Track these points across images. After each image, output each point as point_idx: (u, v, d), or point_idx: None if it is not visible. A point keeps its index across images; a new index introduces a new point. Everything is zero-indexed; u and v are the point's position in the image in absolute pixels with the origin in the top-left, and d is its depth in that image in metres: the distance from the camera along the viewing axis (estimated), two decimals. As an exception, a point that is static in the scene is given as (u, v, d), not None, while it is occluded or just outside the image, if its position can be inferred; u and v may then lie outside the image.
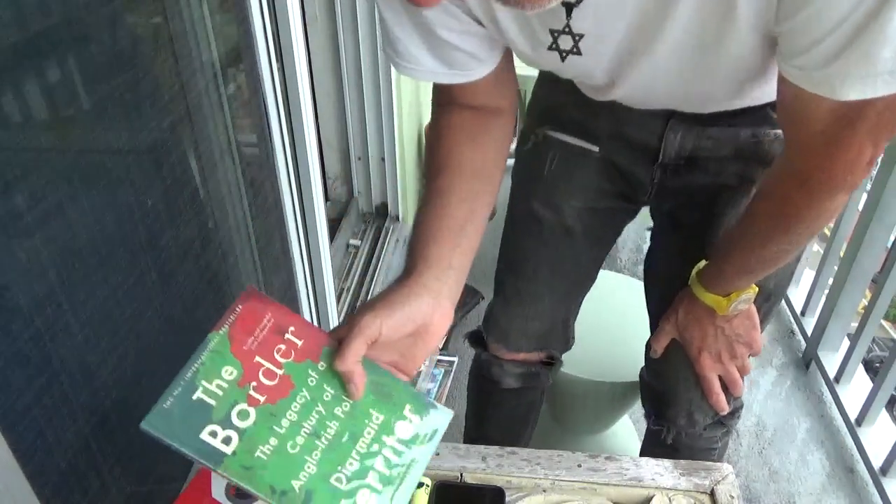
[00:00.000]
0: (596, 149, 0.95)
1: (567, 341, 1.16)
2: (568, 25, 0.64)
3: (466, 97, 0.76)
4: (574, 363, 1.40)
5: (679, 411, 1.03)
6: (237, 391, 0.54)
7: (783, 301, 2.25)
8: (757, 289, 0.86)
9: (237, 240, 1.27)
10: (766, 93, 0.77)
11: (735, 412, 1.06)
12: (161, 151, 0.96)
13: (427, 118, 2.83)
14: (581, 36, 0.66)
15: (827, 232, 2.05)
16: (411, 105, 2.55)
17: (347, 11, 2.09)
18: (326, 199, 2.48)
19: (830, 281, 1.93)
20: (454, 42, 0.69)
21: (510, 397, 1.18)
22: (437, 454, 0.82)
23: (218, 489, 0.62)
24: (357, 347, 0.57)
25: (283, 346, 0.57)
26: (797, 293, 2.21)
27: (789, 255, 0.81)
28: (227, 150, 1.20)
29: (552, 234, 1.02)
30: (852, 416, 1.75)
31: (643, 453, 1.19)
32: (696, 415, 1.02)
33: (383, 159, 2.38)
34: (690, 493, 0.78)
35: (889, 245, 1.73)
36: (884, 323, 8.53)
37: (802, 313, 2.12)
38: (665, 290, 0.99)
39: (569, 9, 0.63)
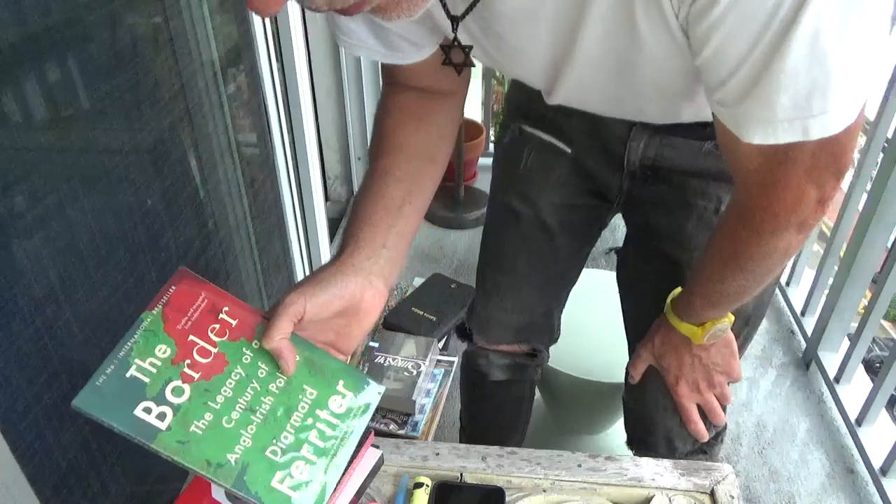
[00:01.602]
0: (569, 150, 0.94)
1: (551, 335, 1.16)
2: (456, 38, 0.63)
3: (411, 78, 0.76)
4: (575, 363, 1.40)
5: (658, 439, 1.02)
6: (171, 369, 0.55)
7: (783, 301, 2.25)
8: (733, 318, 0.84)
9: (237, 240, 1.27)
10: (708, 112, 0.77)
11: (718, 437, 1.04)
12: (161, 151, 0.96)
13: (427, 118, 2.83)
14: (470, 48, 0.65)
15: (827, 232, 2.06)
16: (411, 105, 2.55)
17: (347, 11, 2.09)
18: (326, 199, 2.48)
19: (830, 281, 1.94)
20: (388, 26, 0.68)
21: (498, 390, 1.18)
22: (437, 454, 0.82)
23: (218, 490, 0.62)
24: (282, 325, 0.57)
25: (217, 326, 0.58)
26: (797, 293, 2.21)
27: (752, 291, 0.78)
28: (227, 150, 1.20)
29: (529, 229, 1.02)
30: (852, 416, 1.75)
31: None
32: (675, 441, 1.01)
33: (383, 159, 2.38)
34: (690, 493, 0.78)
35: (889, 245, 1.73)
36: (884, 323, 8.53)
37: (802, 313, 2.12)
38: (639, 311, 0.98)
39: (454, 21, 0.62)
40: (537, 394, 1.64)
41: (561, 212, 1.00)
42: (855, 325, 1.83)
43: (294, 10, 1.32)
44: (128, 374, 0.53)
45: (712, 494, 0.78)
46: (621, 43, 0.58)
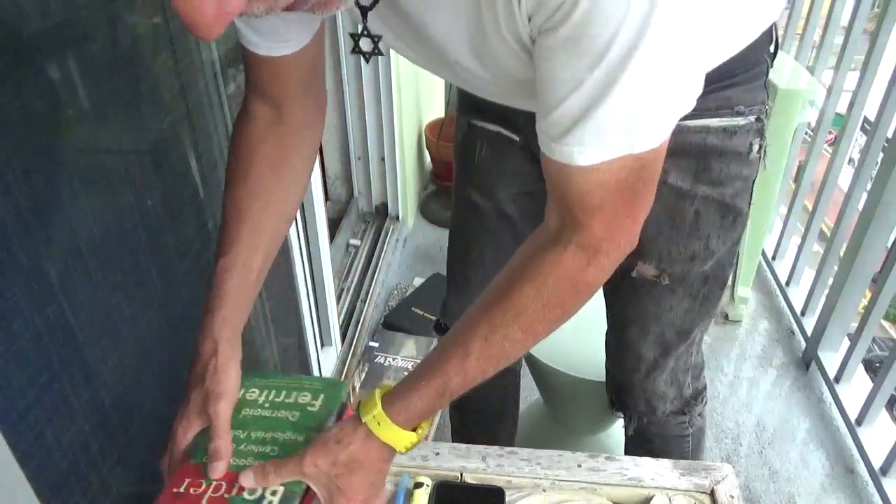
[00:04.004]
0: (517, 138, 0.96)
1: None
2: (365, 28, 0.64)
3: (275, 88, 0.74)
4: (575, 363, 1.40)
5: (637, 400, 1.05)
6: None
7: (783, 301, 2.25)
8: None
9: (237, 240, 1.26)
10: None
11: (698, 397, 1.08)
12: (161, 151, 0.96)
13: (427, 118, 2.83)
14: (380, 37, 0.65)
15: (827, 232, 2.06)
16: (411, 105, 2.55)
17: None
18: (326, 199, 2.48)
19: (830, 281, 1.94)
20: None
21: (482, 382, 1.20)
22: (437, 454, 0.82)
23: None
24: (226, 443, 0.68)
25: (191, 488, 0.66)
26: (797, 293, 2.21)
27: (533, 333, 0.66)
28: (227, 150, 1.20)
29: (491, 221, 1.04)
30: (852, 416, 1.75)
31: (627, 453, 1.20)
32: (653, 401, 1.04)
33: (383, 159, 2.38)
34: (690, 493, 0.78)
35: (889, 245, 1.73)
36: (884, 323, 8.54)
37: (802, 313, 2.12)
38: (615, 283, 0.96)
39: (363, 11, 0.61)
40: (537, 394, 1.64)
41: (519, 200, 1.02)
42: (855, 325, 1.83)
43: (294, 10, 1.32)
44: None
45: (712, 494, 0.78)
46: (476, 35, 0.58)
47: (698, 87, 0.57)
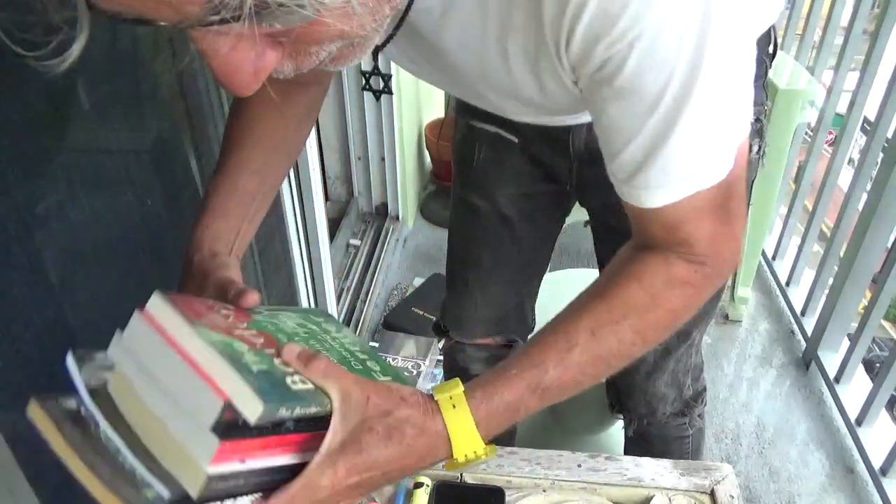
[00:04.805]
0: (516, 139, 0.96)
1: (525, 325, 1.17)
2: (376, 67, 0.63)
3: None
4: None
5: (638, 402, 1.05)
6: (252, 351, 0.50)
7: (783, 301, 2.25)
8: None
9: (237, 240, 1.26)
10: None
11: (698, 397, 1.08)
12: (161, 151, 0.96)
13: (427, 118, 2.83)
14: (390, 76, 0.65)
15: (827, 232, 2.06)
16: (411, 105, 2.55)
17: (347, 11, 2.08)
18: (326, 199, 2.48)
19: (830, 281, 1.94)
20: None
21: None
22: (437, 454, 0.82)
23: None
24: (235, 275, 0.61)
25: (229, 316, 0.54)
26: (797, 293, 2.21)
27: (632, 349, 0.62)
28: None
29: (490, 223, 1.04)
30: (852, 416, 1.75)
31: (626, 454, 1.20)
32: (654, 402, 1.04)
33: (383, 159, 2.38)
34: (690, 493, 0.78)
35: (889, 245, 1.73)
36: (884, 323, 8.53)
37: (802, 313, 2.12)
38: None
39: (375, 51, 0.60)
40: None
41: (519, 202, 1.02)
42: (855, 325, 1.83)
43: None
44: (255, 369, 0.49)
45: (712, 494, 0.78)
46: (523, 78, 0.58)
47: (749, 111, 0.56)
